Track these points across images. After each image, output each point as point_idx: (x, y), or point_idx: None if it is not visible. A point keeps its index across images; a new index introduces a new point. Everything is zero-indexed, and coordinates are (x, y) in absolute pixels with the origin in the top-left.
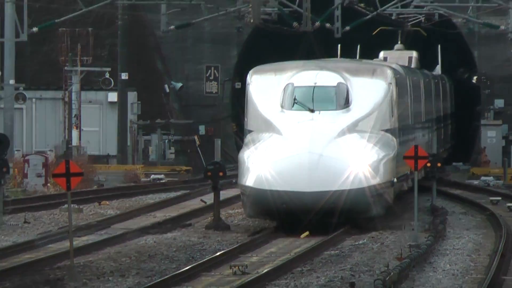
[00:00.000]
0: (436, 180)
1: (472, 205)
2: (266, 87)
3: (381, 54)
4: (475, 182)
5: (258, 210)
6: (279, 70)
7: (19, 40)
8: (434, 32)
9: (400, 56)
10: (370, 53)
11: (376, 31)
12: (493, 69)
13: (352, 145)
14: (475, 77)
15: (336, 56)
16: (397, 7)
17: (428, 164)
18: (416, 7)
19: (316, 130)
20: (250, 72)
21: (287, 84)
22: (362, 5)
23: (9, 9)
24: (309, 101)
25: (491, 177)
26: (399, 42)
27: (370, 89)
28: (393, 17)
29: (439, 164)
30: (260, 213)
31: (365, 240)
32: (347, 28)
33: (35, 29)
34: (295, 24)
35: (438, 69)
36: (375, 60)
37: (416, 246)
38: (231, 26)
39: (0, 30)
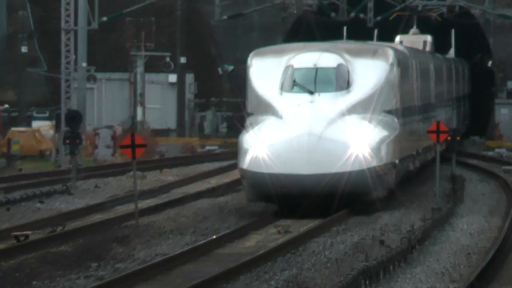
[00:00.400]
0: (455, 151)
1: (487, 173)
2: (266, 70)
3: (397, 38)
4: (490, 153)
5: (257, 193)
6: (279, 52)
7: (90, 28)
8: (455, 21)
9: (415, 40)
10: (389, 38)
11: (393, 16)
12: (507, 54)
13: (352, 126)
14: (490, 62)
15: None
16: (421, 0)
17: (449, 138)
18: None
19: (316, 112)
20: (251, 54)
21: (287, 66)
22: None
23: (82, 1)
24: (309, 83)
25: (504, 149)
26: (414, 27)
27: (371, 70)
28: (419, 9)
29: (458, 138)
30: (260, 197)
31: (393, 204)
32: (379, 18)
33: (104, 18)
34: (333, 14)
35: (451, 53)
36: (385, 43)
37: (438, 209)
38: (277, 16)
39: (74, 19)
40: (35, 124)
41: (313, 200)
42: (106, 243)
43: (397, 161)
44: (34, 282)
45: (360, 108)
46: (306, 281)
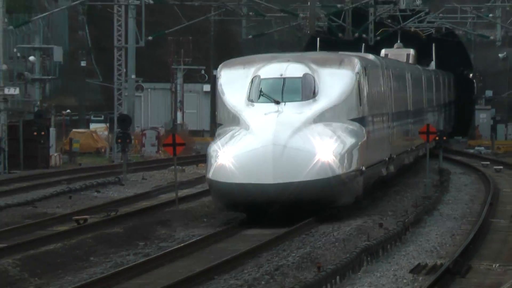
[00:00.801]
0: (442, 148)
1: (468, 167)
2: (234, 80)
3: (383, 51)
4: (471, 150)
5: (224, 203)
6: (247, 63)
7: (138, 45)
8: (441, 40)
9: (398, 53)
10: (377, 52)
11: (379, 32)
12: (485, 67)
13: (317, 135)
14: (471, 74)
15: None
16: (414, 22)
17: (437, 138)
18: (428, 22)
19: (281, 122)
20: (220, 66)
21: (254, 77)
22: (389, 20)
23: (131, 24)
24: (275, 93)
25: (483, 147)
26: (398, 41)
27: (337, 79)
28: (412, 30)
29: (444, 138)
30: (227, 206)
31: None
32: (378, 38)
33: (150, 37)
34: (340, 34)
35: (432, 65)
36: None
37: (427, 197)
38: (294, 35)
39: (125, 38)
40: (92, 126)
41: (279, 209)
42: (151, 226)
43: (363, 168)
44: (92, 258)
45: (326, 116)
46: (317, 257)
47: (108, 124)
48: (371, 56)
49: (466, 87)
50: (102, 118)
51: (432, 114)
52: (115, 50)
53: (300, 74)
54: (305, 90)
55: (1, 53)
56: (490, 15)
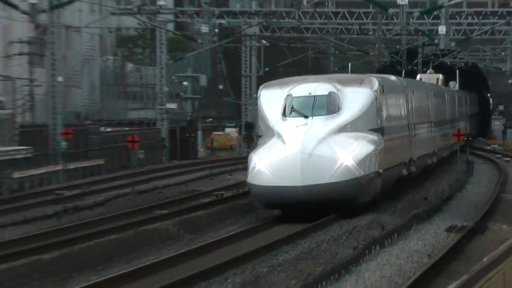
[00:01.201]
0: (468, 146)
1: (487, 159)
2: (272, 99)
3: (418, 76)
4: (488, 147)
5: (261, 203)
6: (283, 84)
7: (258, 74)
8: (468, 70)
9: (430, 77)
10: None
11: (415, 61)
12: (499, 90)
13: (339, 143)
14: (489, 94)
15: None
16: (450, 58)
17: (465, 138)
18: (460, 58)
19: (308, 133)
20: (260, 87)
21: (287, 95)
22: (432, 56)
23: (254, 59)
24: (304, 108)
25: (496, 145)
26: (430, 68)
27: (358, 96)
28: (448, 63)
29: (470, 138)
30: (265, 205)
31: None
32: (425, 69)
33: (267, 69)
34: (398, 67)
35: (455, 86)
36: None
37: (459, 179)
38: (366, 67)
39: (249, 69)
40: (227, 130)
41: (307, 207)
42: None
43: (381, 170)
44: (226, 221)
45: (348, 127)
46: (381, 221)
47: (237, 129)
48: (392, 77)
49: (485, 103)
50: (234, 124)
51: (457, 122)
52: (242, 78)
53: (326, 92)
54: (329, 106)
55: (165, 80)
56: (503, 53)
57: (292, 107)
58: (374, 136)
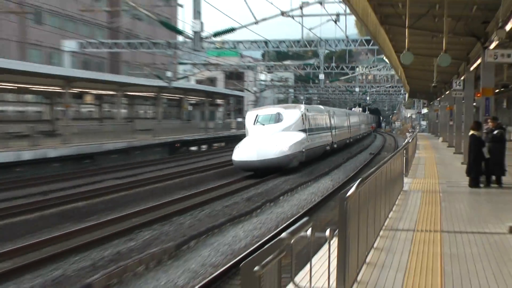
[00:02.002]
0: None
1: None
2: (250, 116)
3: (354, 109)
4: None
5: (238, 168)
6: (256, 109)
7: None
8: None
9: (356, 109)
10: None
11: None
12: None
13: (278, 137)
14: (380, 115)
15: None
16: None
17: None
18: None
19: (263, 132)
20: (248, 112)
21: (257, 115)
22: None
23: None
24: (263, 120)
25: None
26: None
27: (292, 114)
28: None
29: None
30: (240, 169)
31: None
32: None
33: None
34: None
35: (366, 111)
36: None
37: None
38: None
39: None
40: None
41: (261, 170)
42: None
43: (303, 150)
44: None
45: (286, 129)
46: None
47: None
48: (321, 107)
49: (379, 118)
50: None
51: (365, 124)
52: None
53: (274, 112)
54: (276, 119)
55: None
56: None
57: (257, 120)
58: (301, 133)
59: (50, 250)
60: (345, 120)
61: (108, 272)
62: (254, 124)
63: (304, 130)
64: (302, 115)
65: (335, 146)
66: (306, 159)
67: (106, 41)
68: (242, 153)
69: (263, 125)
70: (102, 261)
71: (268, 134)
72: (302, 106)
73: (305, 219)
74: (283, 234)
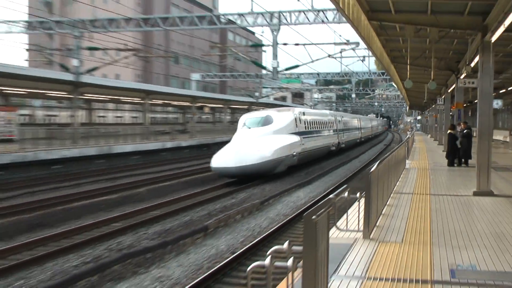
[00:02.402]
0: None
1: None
2: (241, 120)
3: (369, 116)
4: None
5: (218, 174)
6: (250, 113)
7: None
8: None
9: (371, 116)
10: None
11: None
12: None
13: (261, 141)
14: (390, 120)
15: None
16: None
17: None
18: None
19: (248, 136)
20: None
21: (246, 118)
22: None
23: None
24: (250, 124)
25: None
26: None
27: (284, 117)
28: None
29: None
30: (220, 176)
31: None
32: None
33: None
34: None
35: (379, 117)
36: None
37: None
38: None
39: None
40: None
41: (239, 177)
42: None
43: (295, 153)
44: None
45: (276, 132)
46: None
47: None
48: (324, 111)
49: (389, 121)
50: None
51: (378, 126)
52: None
53: (264, 115)
54: (265, 122)
55: None
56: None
57: (245, 123)
58: (293, 136)
59: (189, 202)
60: (355, 124)
61: (218, 218)
62: (242, 127)
63: (297, 133)
64: (295, 118)
65: (343, 145)
66: (300, 162)
67: (218, 73)
68: (220, 159)
69: (249, 128)
70: (215, 211)
71: (253, 138)
72: (297, 109)
73: (344, 186)
74: (331, 196)
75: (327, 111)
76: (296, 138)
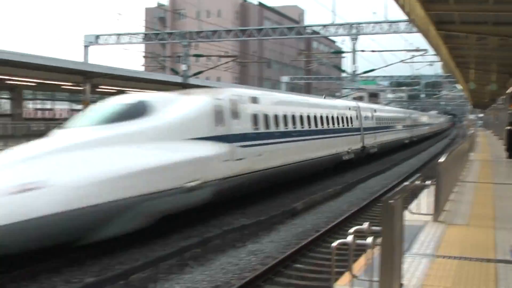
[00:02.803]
0: None
1: None
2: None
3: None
4: None
5: None
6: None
7: None
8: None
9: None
10: None
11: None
12: None
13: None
14: None
15: None
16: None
17: None
18: None
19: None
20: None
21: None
22: None
23: None
24: (87, 117)
25: None
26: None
27: (185, 107)
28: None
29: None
30: None
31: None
32: None
33: None
34: None
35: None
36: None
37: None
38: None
39: None
40: None
41: None
42: None
43: (211, 180)
44: None
45: (160, 135)
46: None
47: None
48: (343, 101)
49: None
50: None
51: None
52: None
53: (132, 101)
54: (119, 114)
55: None
56: None
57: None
58: (205, 144)
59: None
60: (402, 121)
61: (304, 201)
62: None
63: (222, 138)
64: (216, 109)
65: (375, 150)
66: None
67: (304, 76)
68: None
69: (69, 128)
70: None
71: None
72: (229, 91)
73: (417, 175)
74: (405, 183)
75: (349, 102)
76: (214, 148)
